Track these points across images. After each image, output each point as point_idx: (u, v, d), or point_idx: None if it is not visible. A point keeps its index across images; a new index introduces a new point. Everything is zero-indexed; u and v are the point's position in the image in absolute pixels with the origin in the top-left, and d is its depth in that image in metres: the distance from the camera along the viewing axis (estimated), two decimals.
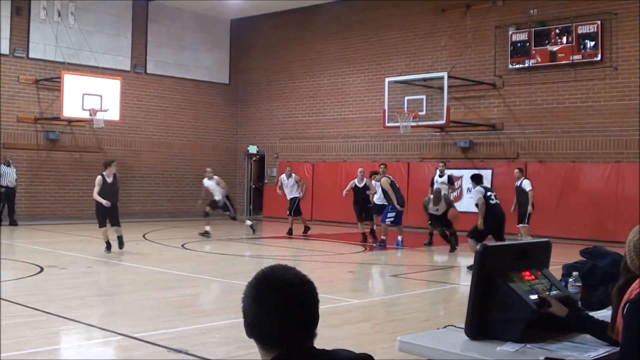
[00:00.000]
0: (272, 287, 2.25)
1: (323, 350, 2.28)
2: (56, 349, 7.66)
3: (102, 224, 15.45)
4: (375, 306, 10.49)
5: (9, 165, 22.46)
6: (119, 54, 26.21)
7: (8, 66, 23.69)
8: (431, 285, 12.45)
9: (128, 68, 26.37)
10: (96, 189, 15.33)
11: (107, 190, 15.35)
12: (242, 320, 2.28)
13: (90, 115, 22.74)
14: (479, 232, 14.01)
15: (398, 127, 21.80)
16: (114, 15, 26.09)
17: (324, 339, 2.32)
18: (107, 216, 15.40)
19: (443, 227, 17.08)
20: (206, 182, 20.50)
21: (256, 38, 28.83)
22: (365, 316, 9.57)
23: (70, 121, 23.87)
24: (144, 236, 19.34)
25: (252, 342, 2.27)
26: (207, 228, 19.59)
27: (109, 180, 15.45)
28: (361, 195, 18.89)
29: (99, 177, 15.47)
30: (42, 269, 12.62)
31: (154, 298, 10.49)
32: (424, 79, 22.27)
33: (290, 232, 20.44)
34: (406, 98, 22.35)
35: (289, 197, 20.91)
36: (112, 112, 23.22)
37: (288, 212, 20.90)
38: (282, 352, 2.21)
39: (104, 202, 15.21)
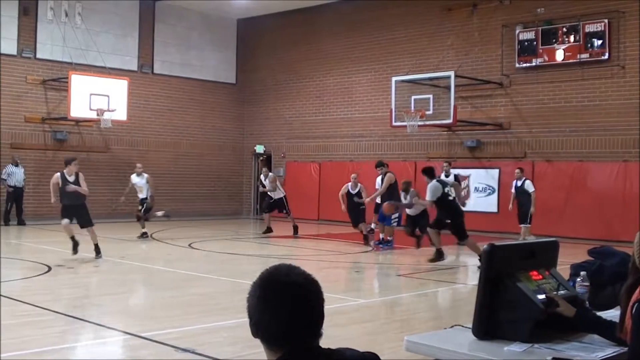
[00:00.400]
0: (277, 286, 2.24)
1: (328, 349, 2.28)
2: (63, 348, 7.67)
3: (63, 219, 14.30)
4: (381, 306, 10.48)
5: (17, 165, 22.52)
6: (126, 54, 26.26)
7: (16, 66, 23.77)
8: (438, 285, 12.44)
9: (135, 68, 26.42)
10: (52, 187, 14.58)
11: (68, 189, 14.25)
12: (249, 319, 2.27)
13: (98, 115, 22.79)
14: (437, 223, 14.41)
15: (405, 126, 21.79)
16: (120, 16, 26.14)
17: (329, 339, 2.32)
18: (72, 217, 14.30)
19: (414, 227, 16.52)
20: (134, 178, 19.49)
21: (262, 38, 28.85)
22: (371, 316, 9.56)
23: (77, 121, 23.93)
24: (151, 235, 19.36)
25: (258, 342, 2.27)
26: (144, 230, 18.98)
27: (70, 179, 14.32)
28: (354, 201, 18.31)
29: (57, 174, 14.52)
30: (49, 268, 12.65)
31: (161, 297, 10.51)
32: (431, 78, 22.25)
33: (268, 230, 20.34)
34: (413, 97, 22.34)
35: (273, 196, 20.78)
36: (120, 112, 23.27)
37: (263, 210, 20.97)
38: (288, 352, 2.21)
39: (52, 199, 14.63)
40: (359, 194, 18.24)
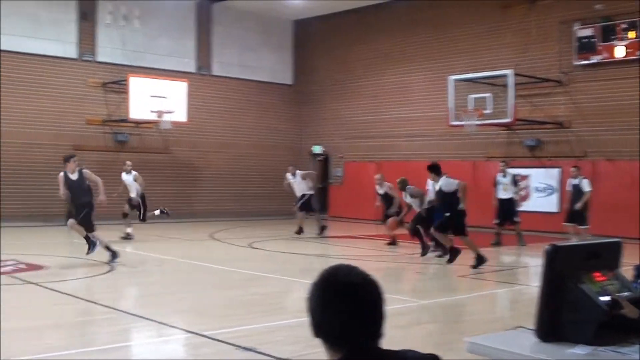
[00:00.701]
0: (338, 287, 2.26)
1: (390, 350, 2.28)
2: (126, 345, 7.83)
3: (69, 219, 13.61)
4: (441, 307, 10.43)
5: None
6: (183, 56, 26.58)
7: (76, 70, 24.25)
8: (499, 286, 12.35)
9: (192, 70, 26.72)
10: (61, 187, 13.55)
11: (73, 187, 13.53)
12: (309, 319, 2.30)
13: (157, 117, 23.14)
14: (444, 225, 13.96)
15: (462, 125, 21.64)
16: (178, 18, 26.47)
17: (390, 340, 2.34)
18: (76, 216, 13.46)
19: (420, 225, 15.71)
20: (124, 176, 19.27)
21: (318, 38, 28.94)
22: (432, 317, 9.54)
23: (137, 123, 24.27)
24: (211, 235, 19.56)
25: (319, 342, 2.28)
26: (129, 230, 18.61)
27: (73, 177, 13.57)
28: (384, 203, 17.83)
29: (61, 174, 13.69)
30: (113, 267, 12.87)
31: (222, 296, 10.62)
32: (488, 77, 22.04)
33: (300, 230, 19.99)
34: (471, 96, 22.14)
35: (298, 193, 20.44)
36: (179, 113, 23.60)
37: (298, 209, 20.38)
38: (348, 352, 2.22)
39: (61, 192, 13.58)
40: (386, 195, 17.71)
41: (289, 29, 29.62)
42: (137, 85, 23.32)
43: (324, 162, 28.84)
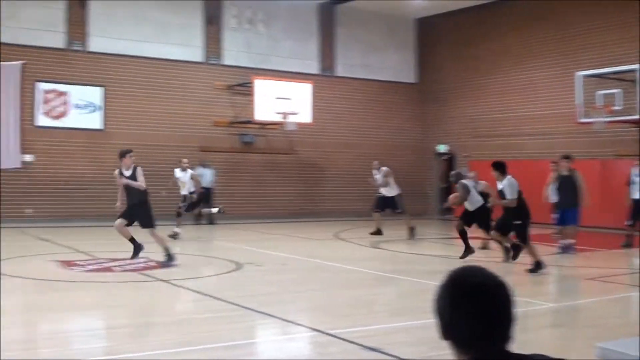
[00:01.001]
0: (467, 288, 2.20)
1: (519, 354, 2.21)
2: (253, 342, 7.89)
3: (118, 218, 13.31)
4: (570, 310, 10.07)
5: (206, 167, 23.46)
6: (307, 58, 26.81)
7: (203, 73, 24.85)
8: (631, 290, 11.82)
9: (316, 71, 26.92)
10: (120, 185, 13.39)
11: (126, 185, 13.31)
12: (434, 320, 2.24)
13: (282, 118, 23.46)
14: (504, 224, 13.15)
15: (591, 123, 20.91)
16: (301, 20, 26.73)
17: (518, 343, 2.24)
18: (132, 217, 13.16)
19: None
20: (178, 173, 19.08)
21: (442, 36, 28.60)
22: (560, 320, 9.23)
23: (263, 124, 24.65)
24: (336, 235, 19.62)
25: (444, 344, 2.22)
26: (177, 229, 18.29)
27: (127, 173, 13.28)
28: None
29: (116, 171, 13.56)
30: (240, 266, 13.06)
31: (347, 295, 10.59)
32: (617, 72, 21.19)
33: (377, 232, 19.27)
34: (599, 92, 21.34)
35: (385, 194, 19.50)
36: (303, 114, 23.86)
37: (374, 208, 19.70)
38: (477, 355, 2.16)
39: (118, 204, 13.54)
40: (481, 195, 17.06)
41: (412, 28, 29.41)
42: (262, 88, 23.74)
43: (449, 161, 28.44)
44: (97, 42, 23.36)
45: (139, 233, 13.55)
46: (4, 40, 21.80)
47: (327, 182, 26.96)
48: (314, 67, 27.00)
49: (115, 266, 12.80)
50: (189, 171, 18.94)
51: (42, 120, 22.67)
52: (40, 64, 22.50)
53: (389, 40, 28.63)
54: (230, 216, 23.83)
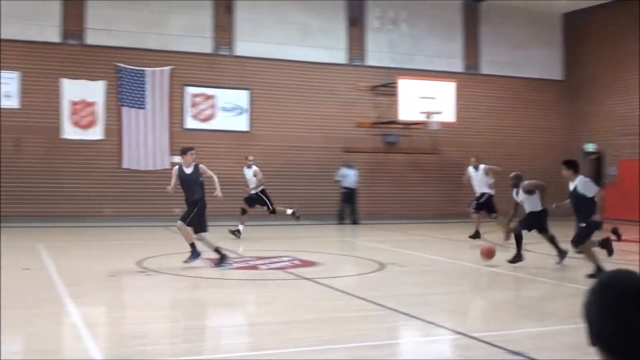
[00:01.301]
0: (620, 294, 2.09)
1: None
2: (395, 343, 7.88)
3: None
4: None
5: (350, 168, 23.63)
6: (450, 56, 26.57)
7: (347, 74, 25.06)
8: None
9: (460, 69, 26.62)
10: (172, 181, 12.98)
11: (185, 182, 12.84)
12: (582, 326, 2.15)
13: (426, 118, 23.34)
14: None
15: None
16: (444, 19, 26.51)
17: None
18: (186, 216, 12.75)
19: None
20: (245, 170, 19.12)
21: (589, 31, 27.62)
22: None
23: (406, 124, 24.60)
24: (481, 235, 19.30)
25: (592, 350, 2.14)
26: (240, 227, 18.23)
27: (187, 170, 12.85)
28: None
29: (175, 167, 13.15)
30: (383, 266, 13.08)
31: (490, 298, 10.42)
32: None
33: (476, 235, 17.90)
34: None
35: (477, 191, 18.65)
36: (447, 113, 23.66)
37: (472, 209, 18.56)
38: None
39: (169, 188, 12.98)
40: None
41: (558, 23, 28.59)
42: (406, 87, 23.73)
43: (597, 160, 27.43)
44: (243, 47, 24.02)
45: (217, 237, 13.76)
46: (153, 47, 22.89)
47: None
48: (457, 66, 26.71)
49: (261, 264, 13.08)
50: (254, 167, 18.87)
51: (191, 123, 23.52)
52: (189, 69, 23.35)
53: (535, 37, 27.94)
54: (373, 216, 23.94)
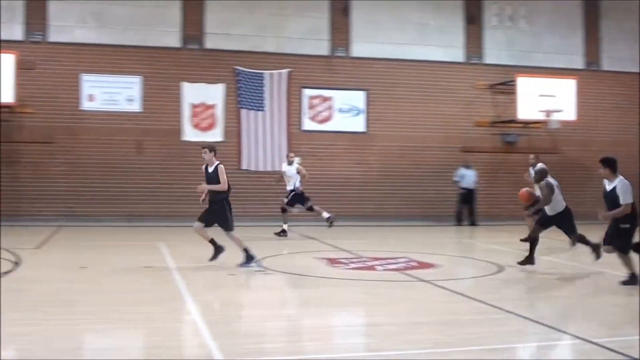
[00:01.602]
0: None
1: None
2: (513, 347, 7.70)
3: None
4: None
5: (468, 168, 23.35)
6: (571, 53, 25.90)
7: (464, 73, 24.82)
8: None
9: (581, 66, 25.90)
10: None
11: (208, 181, 12.86)
12: None
13: (546, 116, 22.83)
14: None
15: None
16: (564, 15, 25.91)
17: None
18: (207, 216, 12.76)
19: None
20: (284, 167, 18.92)
21: None
22: None
23: (526, 123, 24.15)
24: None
25: None
26: (285, 227, 18.13)
27: (210, 169, 12.87)
28: None
29: (204, 166, 13.12)
30: (501, 268, 12.84)
31: (612, 302, 10.07)
32: None
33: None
34: None
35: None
36: (568, 111, 23.09)
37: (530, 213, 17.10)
38: None
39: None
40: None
41: None
42: (525, 85, 23.34)
43: None
44: (360, 48, 24.13)
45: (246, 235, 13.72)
46: (271, 50, 23.32)
47: (593, 182, 25.72)
48: (578, 62, 25.99)
49: (377, 265, 13.08)
50: (295, 164, 18.67)
51: (308, 125, 23.78)
52: (306, 71, 23.64)
53: None
54: (492, 217, 23.60)
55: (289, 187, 18.51)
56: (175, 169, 22.48)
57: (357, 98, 24.15)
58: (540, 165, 13.77)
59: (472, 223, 23.16)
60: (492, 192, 24.50)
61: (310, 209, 18.60)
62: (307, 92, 23.80)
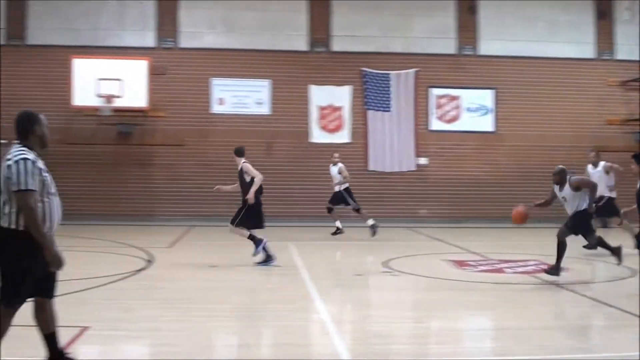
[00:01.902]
0: None
1: None
2: None
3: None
4: None
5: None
6: None
7: (595, 70, 24.18)
8: None
9: None
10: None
11: (239, 182, 13.54)
12: None
13: None
14: None
15: None
16: None
17: None
18: (236, 217, 13.16)
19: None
20: (330, 167, 18.91)
21: None
22: None
23: None
24: None
25: None
26: (338, 224, 18.22)
27: (239, 169, 13.59)
28: None
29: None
30: (635, 273, 12.43)
31: None
32: None
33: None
34: None
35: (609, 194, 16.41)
36: None
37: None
38: None
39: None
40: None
41: None
42: None
43: None
44: (487, 46, 23.87)
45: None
46: (397, 50, 23.42)
47: None
48: None
49: (506, 267, 12.94)
50: (339, 165, 18.60)
51: (436, 124, 23.70)
52: (433, 70, 23.56)
53: None
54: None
55: (335, 189, 18.65)
56: (303, 170, 22.84)
57: (486, 97, 23.89)
58: (560, 166, 13.11)
59: (604, 225, 22.44)
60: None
61: (357, 210, 18.67)
62: (435, 92, 23.72)
